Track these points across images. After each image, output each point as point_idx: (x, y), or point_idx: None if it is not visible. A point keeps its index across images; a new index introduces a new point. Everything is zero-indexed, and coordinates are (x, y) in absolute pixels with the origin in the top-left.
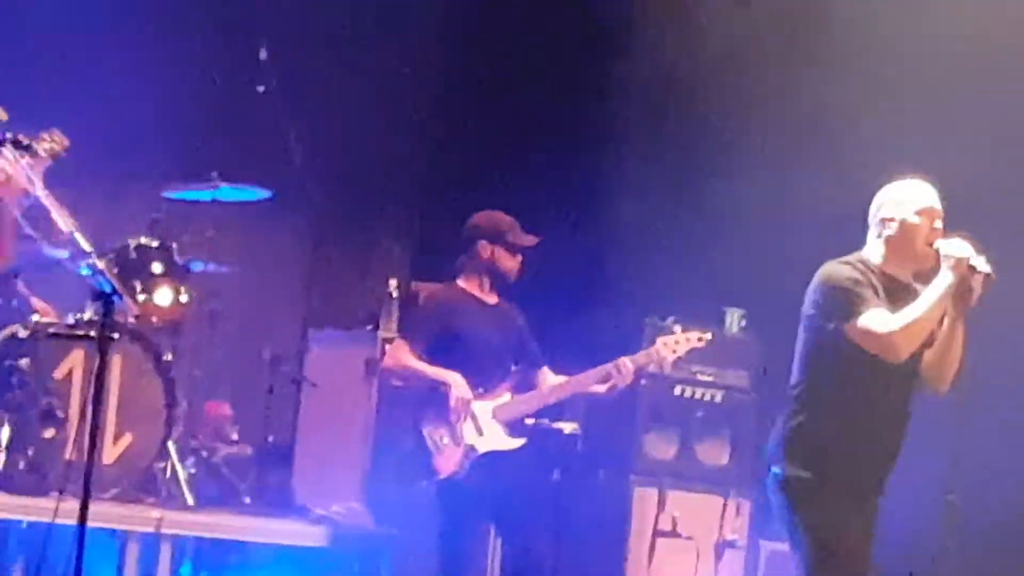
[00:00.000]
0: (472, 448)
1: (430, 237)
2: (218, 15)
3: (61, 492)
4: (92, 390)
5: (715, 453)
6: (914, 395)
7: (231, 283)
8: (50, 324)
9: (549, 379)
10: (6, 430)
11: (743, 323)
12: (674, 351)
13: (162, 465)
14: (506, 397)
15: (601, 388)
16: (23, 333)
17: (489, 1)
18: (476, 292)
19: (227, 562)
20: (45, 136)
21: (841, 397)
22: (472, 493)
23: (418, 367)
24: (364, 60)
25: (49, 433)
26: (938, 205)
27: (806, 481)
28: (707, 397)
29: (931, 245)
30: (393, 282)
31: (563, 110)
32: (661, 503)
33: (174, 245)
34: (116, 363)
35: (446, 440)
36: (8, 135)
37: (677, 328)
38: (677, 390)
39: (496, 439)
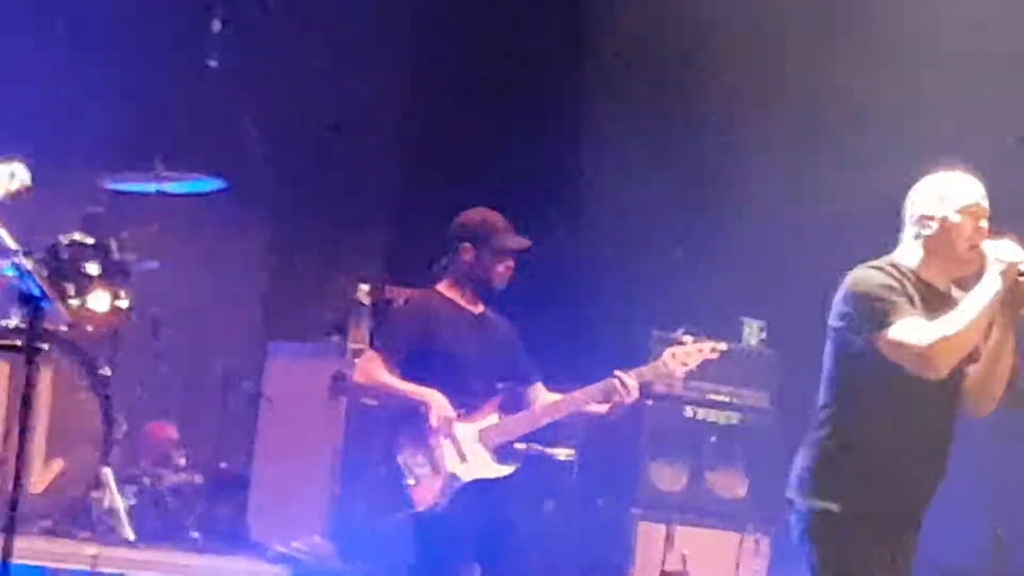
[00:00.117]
0: (454, 476)
1: (407, 236)
2: None
3: None
4: (18, 409)
5: (730, 484)
6: (956, 417)
7: (178, 286)
8: None
9: (542, 398)
10: None
11: (763, 336)
12: (684, 364)
13: (98, 495)
14: (493, 418)
15: (601, 408)
16: None
17: None
18: (459, 300)
19: None
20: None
21: (874, 420)
22: (454, 527)
23: (392, 384)
24: (333, 35)
25: None
26: (984, 202)
27: (833, 516)
28: (721, 420)
29: (975, 247)
30: (364, 287)
31: (565, 103)
32: (669, 540)
33: (113, 243)
34: (45, 378)
35: (424, 467)
36: None
37: (688, 339)
38: (687, 412)
39: (481, 466)
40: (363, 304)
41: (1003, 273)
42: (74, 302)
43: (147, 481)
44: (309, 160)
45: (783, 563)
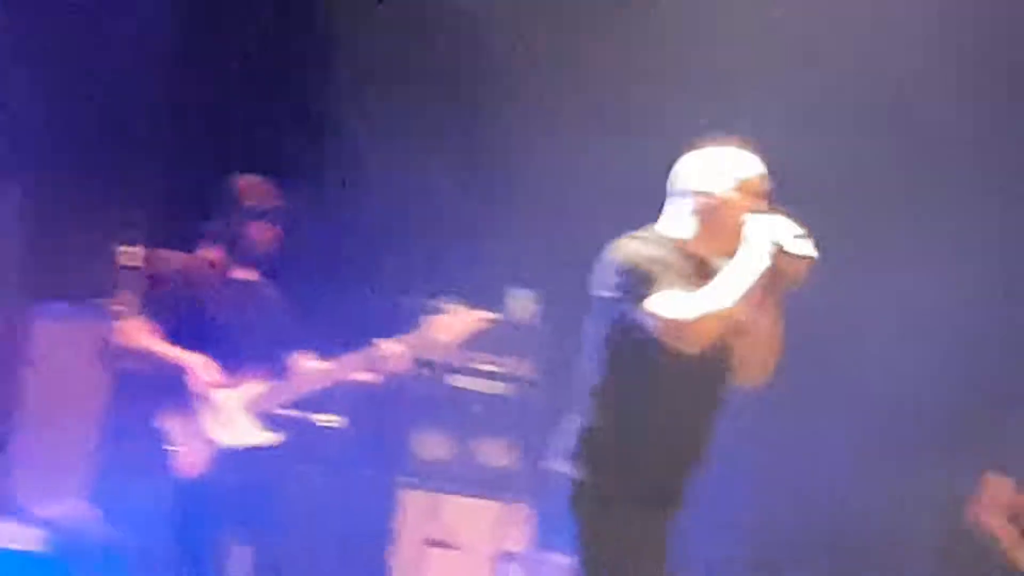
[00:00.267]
0: (217, 443)
1: (173, 198)
2: None
3: None
4: None
5: (495, 453)
6: (724, 392)
7: None
8: None
9: (310, 365)
10: None
11: (530, 306)
12: (452, 333)
13: None
14: (258, 385)
15: (367, 376)
16: None
17: None
18: (226, 265)
19: None
20: None
21: (635, 393)
22: (216, 494)
23: (155, 348)
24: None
25: None
26: (761, 178)
27: (594, 487)
28: (488, 390)
29: (744, 223)
30: (131, 250)
31: (338, 71)
32: (433, 509)
33: None
34: None
35: (187, 433)
36: None
37: (455, 308)
38: (454, 381)
39: (245, 432)
40: (130, 268)
41: (765, 253)
42: None
43: None
44: (71, 117)
45: (547, 533)
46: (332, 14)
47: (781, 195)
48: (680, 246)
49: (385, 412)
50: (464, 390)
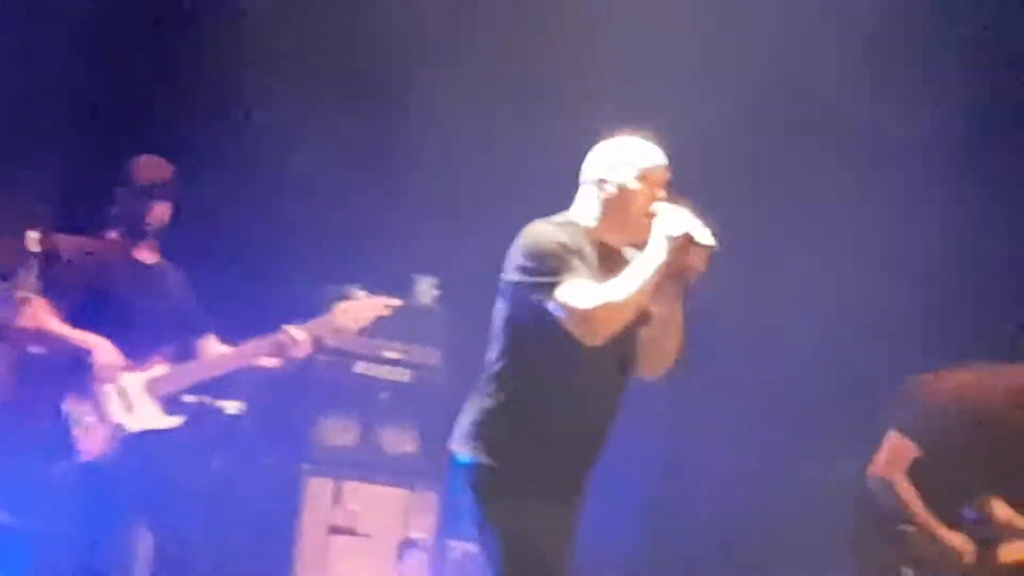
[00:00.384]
0: (120, 426)
1: (77, 181)
2: None
3: None
4: None
5: (401, 440)
6: (626, 381)
7: None
8: None
9: (213, 350)
10: None
11: (435, 292)
12: (356, 319)
13: None
14: (162, 369)
15: (271, 362)
16: None
17: None
18: (129, 248)
19: None
20: None
21: (541, 379)
22: (119, 479)
23: (59, 331)
24: None
25: None
26: (664, 169)
27: (495, 472)
28: (393, 376)
29: (652, 213)
30: (33, 234)
31: (239, 56)
32: (337, 496)
33: None
34: None
35: (90, 417)
36: None
37: (360, 294)
38: (358, 367)
39: (149, 417)
40: (32, 252)
41: (669, 244)
42: None
43: None
44: None
45: (452, 519)
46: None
47: (683, 186)
48: (589, 234)
49: (289, 398)
50: (368, 376)
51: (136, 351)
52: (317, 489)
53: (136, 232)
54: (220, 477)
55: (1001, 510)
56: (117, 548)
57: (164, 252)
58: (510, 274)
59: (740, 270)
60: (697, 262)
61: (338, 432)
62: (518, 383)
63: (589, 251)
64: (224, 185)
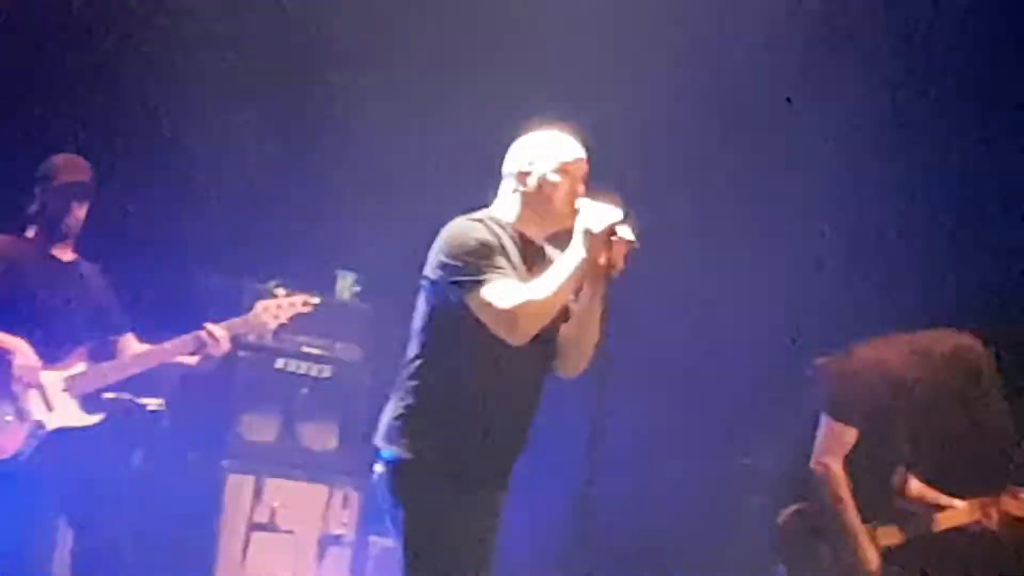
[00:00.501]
0: (39, 425)
1: None
2: None
3: None
4: None
5: (322, 436)
6: (547, 376)
7: None
8: None
9: (132, 348)
10: None
11: (356, 288)
12: (276, 317)
13: None
14: (81, 367)
15: (191, 359)
16: None
17: None
18: (46, 246)
19: None
20: None
21: (461, 375)
22: (38, 477)
23: None
24: None
25: None
26: (582, 162)
27: (415, 467)
28: (314, 372)
29: (572, 206)
30: None
31: (157, 53)
32: (258, 492)
33: None
34: None
35: (9, 416)
36: None
37: (280, 291)
38: (279, 364)
39: (68, 415)
40: None
41: (588, 241)
42: None
43: None
44: None
45: (372, 516)
46: None
47: (604, 180)
48: (511, 228)
49: (210, 394)
50: (289, 373)
51: (55, 349)
52: (238, 485)
53: (55, 232)
54: (141, 474)
55: (915, 485)
56: (37, 545)
57: (81, 250)
58: (431, 271)
59: (664, 265)
60: (618, 259)
61: (259, 428)
62: (439, 379)
63: (511, 246)
64: (142, 182)
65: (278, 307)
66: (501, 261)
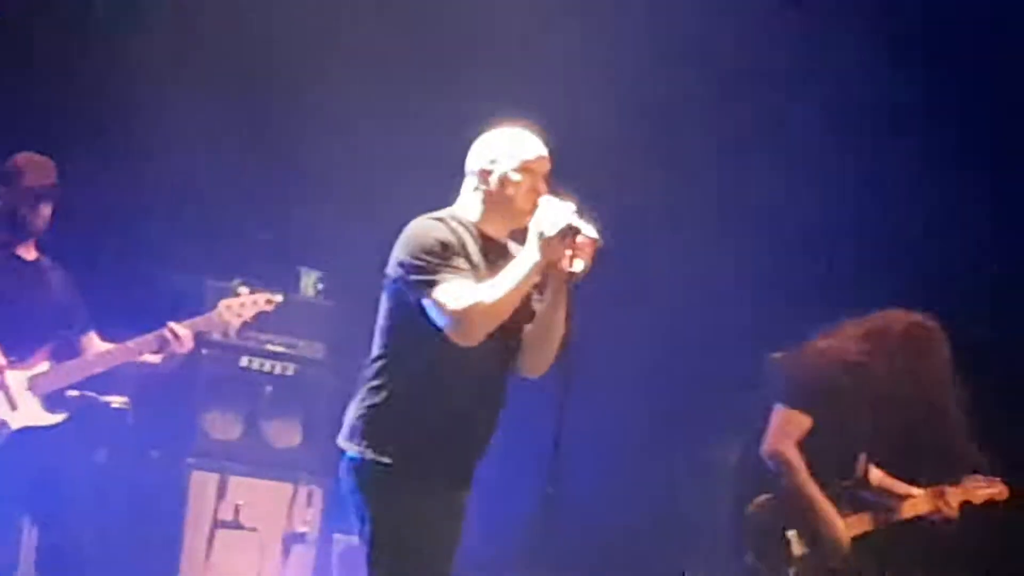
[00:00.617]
0: (3, 424)
1: None
2: None
3: None
4: None
5: (285, 434)
6: (509, 375)
7: None
8: None
9: (96, 347)
10: None
11: (320, 286)
12: (239, 315)
13: None
14: (44, 366)
15: (155, 358)
16: None
17: None
18: (10, 245)
19: None
20: None
21: (423, 375)
22: (2, 476)
23: None
24: None
25: None
26: (544, 160)
27: (379, 467)
28: (277, 370)
29: (534, 204)
30: None
31: (111, 51)
32: (222, 489)
33: None
34: None
35: None
36: None
37: (243, 290)
38: (243, 362)
39: (31, 413)
40: None
41: (542, 244)
42: None
43: None
44: None
45: (336, 514)
46: None
47: (566, 179)
48: (473, 227)
49: (174, 393)
50: (253, 371)
51: (18, 348)
52: (202, 483)
53: (19, 232)
54: (105, 472)
55: (876, 475)
56: (2, 543)
57: (45, 249)
58: (391, 270)
59: (626, 263)
60: (583, 259)
61: (223, 426)
62: (401, 379)
63: (472, 245)
64: (105, 181)
65: (241, 305)
66: (458, 261)
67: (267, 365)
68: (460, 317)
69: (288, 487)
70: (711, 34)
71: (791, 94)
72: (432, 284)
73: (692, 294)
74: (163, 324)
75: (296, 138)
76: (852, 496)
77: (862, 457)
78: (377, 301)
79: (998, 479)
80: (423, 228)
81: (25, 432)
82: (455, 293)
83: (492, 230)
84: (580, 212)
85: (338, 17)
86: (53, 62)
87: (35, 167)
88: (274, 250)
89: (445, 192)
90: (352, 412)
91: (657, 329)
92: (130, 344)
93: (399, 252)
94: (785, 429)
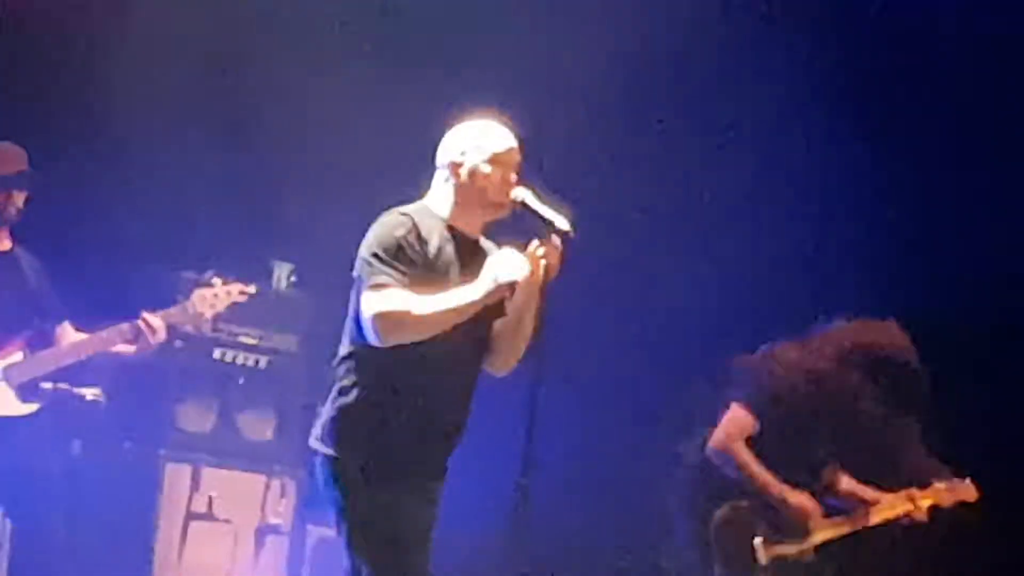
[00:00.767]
0: None
1: None
2: None
3: None
4: None
5: (258, 426)
6: (479, 370)
7: None
8: None
9: (69, 337)
10: None
11: (292, 279)
12: (212, 306)
13: None
14: (17, 356)
15: (128, 348)
16: None
17: None
18: None
19: None
20: None
21: (393, 372)
22: None
23: None
24: None
25: None
26: (515, 151)
27: (356, 464)
28: (250, 362)
29: (505, 196)
30: None
31: (84, 41)
32: (195, 481)
33: None
34: None
35: None
36: None
37: (217, 281)
38: (216, 354)
39: (5, 403)
40: None
41: (490, 287)
42: None
43: None
44: None
45: (309, 505)
46: None
47: (536, 172)
48: (443, 223)
49: (147, 384)
50: (226, 362)
51: None
52: (175, 475)
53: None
54: (78, 463)
55: (844, 481)
56: None
57: (19, 239)
58: (357, 266)
59: (596, 260)
60: (553, 263)
61: (196, 418)
62: (370, 377)
63: (438, 240)
64: (79, 172)
65: (214, 296)
66: (406, 264)
67: (240, 357)
68: (379, 320)
69: (261, 479)
70: (693, 31)
71: (772, 94)
72: (370, 281)
73: (666, 287)
74: (137, 315)
75: (270, 129)
76: (819, 502)
77: (830, 465)
78: (349, 291)
79: (968, 480)
80: (385, 225)
81: None
82: (386, 296)
83: (463, 224)
84: (553, 203)
85: (310, 8)
86: (24, 52)
87: (5, 155)
88: (247, 242)
89: (420, 184)
90: (324, 413)
91: (631, 322)
92: (103, 334)
93: (361, 247)
94: (728, 427)
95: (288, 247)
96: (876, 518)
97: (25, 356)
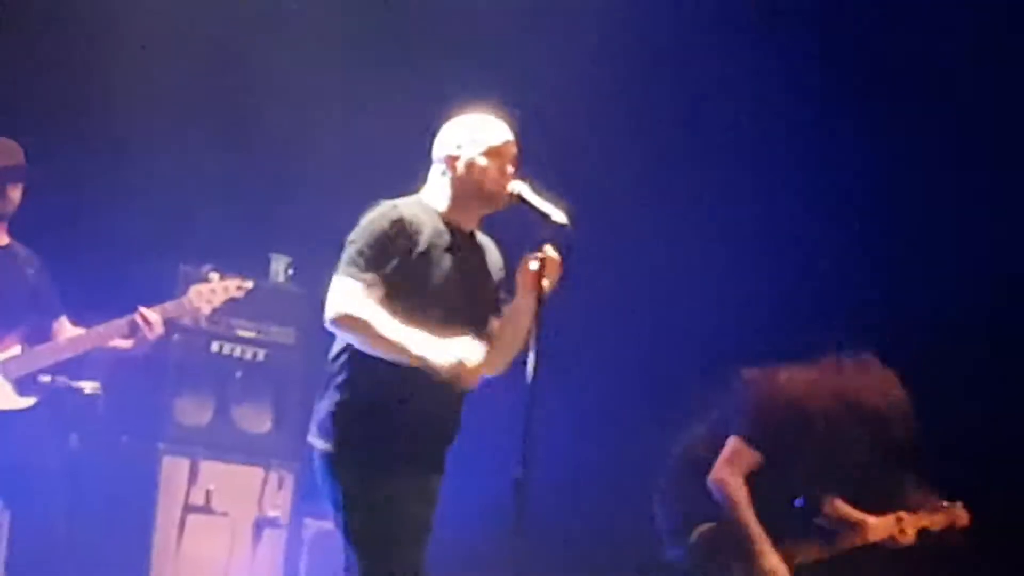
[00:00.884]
0: None
1: None
2: None
3: None
4: None
5: (256, 419)
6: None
7: None
8: None
9: (66, 331)
10: None
11: (290, 272)
12: (209, 301)
13: None
14: (15, 350)
15: (126, 343)
16: None
17: None
18: None
19: None
20: None
21: (388, 367)
22: None
23: None
24: None
25: None
26: (511, 144)
27: (354, 459)
28: (248, 355)
29: (502, 188)
30: None
31: (83, 36)
32: (193, 474)
33: None
34: None
35: None
36: None
37: (214, 276)
38: (214, 347)
39: (3, 398)
40: None
41: (455, 364)
42: None
43: None
44: None
45: (307, 498)
46: None
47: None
48: (439, 217)
49: (145, 377)
50: (223, 356)
51: None
52: (173, 468)
53: None
54: (76, 457)
55: (837, 506)
56: None
57: (15, 233)
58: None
59: (597, 254)
60: (551, 277)
61: (193, 411)
62: (365, 372)
63: (433, 231)
64: (76, 166)
65: (212, 291)
66: (387, 259)
67: (238, 350)
68: (343, 318)
69: (259, 472)
70: (693, 30)
71: (769, 99)
72: (345, 269)
73: (665, 286)
74: (134, 309)
75: (267, 123)
76: (806, 523)
77: (820, 494)
78: None
79: (959, 504)
80: (374, 218)
81: None
82: (361, 300)
83: (459, 217)
84: (551, 199)
85: (309, 3)
86: (21, 47)
87: (1, 150)
88: (244, 235)
89: (418, 178)
90: (320, 410)
91: (630, 317)
92: (101, 329)
93: (351, 239)
94: (734, 460)
95: (286, 240)
96: (861, 540)
97: (23, 350)
